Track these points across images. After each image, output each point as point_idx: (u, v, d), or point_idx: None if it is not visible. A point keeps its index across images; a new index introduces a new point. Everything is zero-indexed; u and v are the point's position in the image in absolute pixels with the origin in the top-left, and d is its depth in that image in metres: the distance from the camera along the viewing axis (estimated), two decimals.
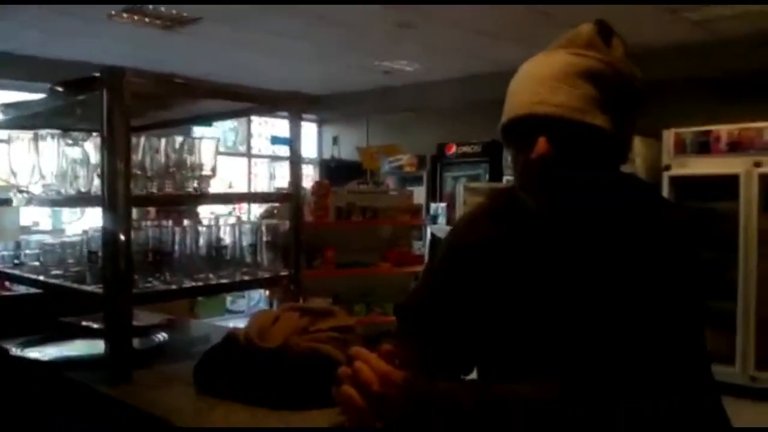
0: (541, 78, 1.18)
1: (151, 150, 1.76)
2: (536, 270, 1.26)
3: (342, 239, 5.50)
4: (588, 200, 1.21)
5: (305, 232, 1.94)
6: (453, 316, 1.35)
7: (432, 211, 8.12)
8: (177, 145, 1.78)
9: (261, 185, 9.79)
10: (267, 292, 5.91)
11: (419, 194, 8.06)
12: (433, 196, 8.78)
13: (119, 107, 1.54)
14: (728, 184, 5.72)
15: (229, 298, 8.58)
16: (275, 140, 9.46)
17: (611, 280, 1.17)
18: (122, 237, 1.54)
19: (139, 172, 1.75)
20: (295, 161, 1.91)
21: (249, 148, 9.90)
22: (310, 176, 9.49)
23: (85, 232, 1.92)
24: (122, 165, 1.53)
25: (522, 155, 1.20)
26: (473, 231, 1.39)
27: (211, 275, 1.79)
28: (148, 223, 1.88)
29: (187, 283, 1.75)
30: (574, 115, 1.14)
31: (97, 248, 1.70)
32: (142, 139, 1.77)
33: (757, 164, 5.54)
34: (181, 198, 1.82)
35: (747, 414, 4.83)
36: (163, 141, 1.79)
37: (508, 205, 1.33)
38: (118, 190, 1.53)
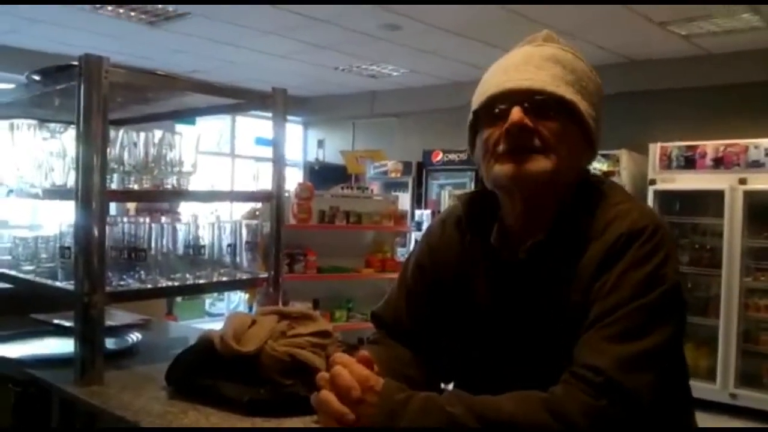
0: (507, 66, 1.22)
1: (129, 144, 1.71)
2: (499, 280, 1.27)
3: (324, 243, 5.45)
4: (550, 182, 1.19)
5: (287, 235, 1.90)
6: (424, 325, 1.35)
7: (416, 218, 8.09)
8: (157, 140, 1.73)
9: (244, 187, 9.72)
10: (246, 295, 5.86)
11: (404, 200, 8.03)
12: (418, 202, 8.74)
13: (97, 98, 1.48)
14: (713, 200, 5.75)
15: (208, 301, 8.51)
16: (259, 141, 9.39)
17: (561, 292, 1.17)
18: (96, 233, 1.48)
19: (116, 166, 1.70)
20: (278, 161, 1.86)
21: (233, 148, 9.83)
22: (294, 179, 9.42)
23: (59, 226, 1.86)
24: (98, 158, 1.47)
25: (495, 132, 1.19)
26: (441, 239, 1.39)
27: (188, 275, 1.74)
28: (125, 219, 1.82)
29: (163, 283, 1.70)
30: (548, 87, 1.16)
31: (70, 244, 1.64)
32: (121, 132, 1.71)
33: (742, 181, 5.57)
34: (160, 194, 1.78)
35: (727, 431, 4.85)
36: (142, 135, 1.73)
37: (478, 212, 1.33)
38: (92, 184, 1.48)
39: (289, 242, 5.16)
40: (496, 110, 1.19)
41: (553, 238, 1.20)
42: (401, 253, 6.44)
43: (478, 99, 1.23)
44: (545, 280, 1.20)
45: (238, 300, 7.81)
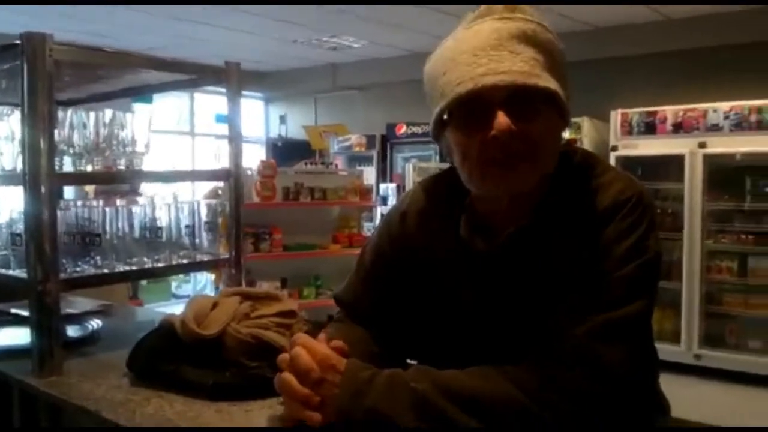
0: (473, 50, 1.06)
1: (79, 125, 1.64)
2: (470, 271, 1.22)
3: (290, 221, 5.41)
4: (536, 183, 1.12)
5: (251, 214, 1.85)
6: (385, 312, 1.33)
7: (382, 192, 8.08)
8: (107, 120, 1.67)
9: (206, 165, 9.58)
10: (213, 276, 5.79)
11: (369, 175, 7.99)
12: (383, 176, 8.73)
13: (41, 77, 1.41)
14: (674, 165, 5.83)
15: (174, 283, 8.41)
16: (220, 118, 9.24)
17: (544, 273, 1.13)
18: (46, 218, 1.43)
19: (66, 148, 1.63)
20: (235, 138, 1.81)
21: (192, 126, 9.66)
22: (257, 156, 9.31)
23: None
24: (45, 140, 1.41)
25: (476, 136, 1.07)
26: (402, 230, 1.34)
27: (145, 258, 1.69)
28: (79, 203, 1.76)
29: (120, 267, 1.65)
30: (528, 80, 1.04)
31: (21, 230, 1.58)
32: (69, 113, 1.65)
33: (702, 145, 5.64)
34: (111, 175, 1.71)
35: (693, 392, 4.97)
36: (92, 115, 1.67)
37: (443, 201, 1.28)
38: (40, 168, 1.42)
39: (253, 221, 5.11)
40: (475, 112, 1.07)
41: (538, 222, 1.15)
42: (368, 228, 6.43)
43: (444, 97, 1.08)
44: (521, 267, 1.15)
45: (205, 281, 7.74)
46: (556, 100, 1.08)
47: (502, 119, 1.04)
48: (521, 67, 1.04)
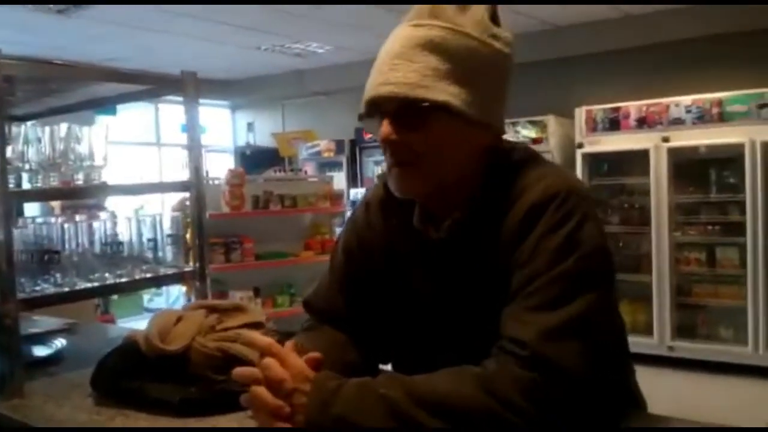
0: (385, 56, 1.14)
1: (34, 140, 1.60)
2: (426, 261, 1.25)
3: (261, 229, 5.38)
4: (437, 185, 1.17)
5: (220, 224, 1.82)
6: (358, 310, 1.33)
7: (353, 197, 8.06)
8: (63, 134, 1.63)
9: (173, 176, 9.47)
10: (185, 288, 5.73)
11: (339, 180, 7.98)
12: (354, 181, 8.71)
13: None
14: (639, 159, 5.90)
15: (146, 296, 8.29)
16: (185, 128, 9.15)
17: (484, 268, 1.16)
18: (0, 237, 1.39)
19: (21, 165, 1.59)
20: (194, 147, 1.79)
21: (158, 137, 9.55)
22: (225, 165, 9.23)
23: None
24: None
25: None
26: (367, 222, 1.36)
27: (107, 274, 1.65)
28: (38, 220, 1.72)
29: (81, 285, 1.62)
30: (412, 92, 1.09)
31: None
32: (23, 128, 1.61)
33: (665, 139, 5.72)
34: (68, 191, 1.68)
35: (667, 383, 5.02)
36: (47, 130, 1.63)
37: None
38: None
39: (223, 231, 5.07)
40: (377, 118, 1.15)
41: (470, 217, 1.18)
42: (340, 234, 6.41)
43: (363, 100, 1.18)
44: (468, 257, 1.18)
45: (177, 294, 7.65)
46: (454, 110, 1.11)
47: (384, 129, 1.12)
48: (411, 78, 1.09)
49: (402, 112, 1.11)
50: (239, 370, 1.06)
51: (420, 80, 1.09)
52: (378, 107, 1.14)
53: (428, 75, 1.10)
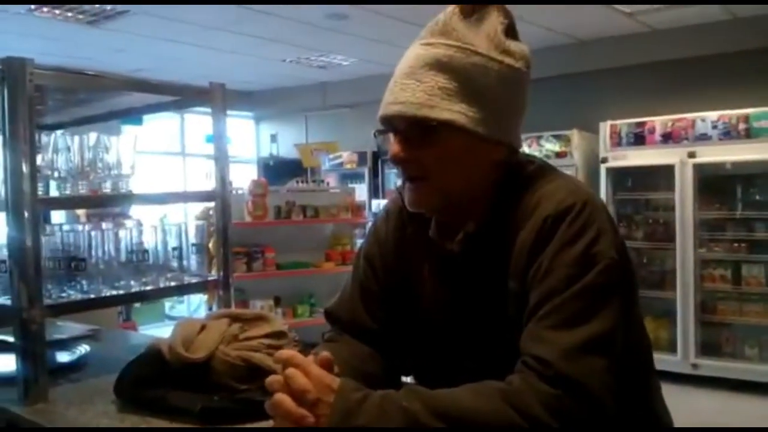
0: (396, 75, 1.17)
1: (63, 148, 1.63)
2: (442, 272, 1.25)
3: (282, 239, 5.39)
4: (448, 199, 1.19)
5: (244, 233, 1.83)
6: (379, 320, 1.33)
7: (374, 209, 8.05)
8: (92, 143, 1.65)
9: (197, 186, 9.54)
10: (206, 297, 5.76)
11: (361, 192, 7.98)
12: (375, 193, 8.71)
13: (22, 102, 1.41)
14: (664, 175, 5.84)
15: (168, 304, 8.35)
16: (210, 138, 9.22)
17: (498, 281, 1.15)
18: (29, 243, 1.41)
19: (50, 173, 1.62)
20: (221, 158, 1.80)
21: (183, 147, 9.64)
22: (248, 176, 9.29)
23: None
24: (27, 165, 1.40)
25: None
26: (387, 231, 1.37)
27: (133, 282, 1.67)
28: (65, 227, 1.74)
29: (106, 292, 1.63)
30: (419, 112, 1.12)
31: (5, 257, 1.56)
32: (53, 137, 1.63)
33: (691, 155, 5.65)
34: (96, 199, 1.70)
35: (690, 401, 4.95)
36: (77, 139, 1.65)
37: None
38: (22, 193, 1.41)
39: (245, 240, 5.10)
40: (388, 131, 1.19)
41: (483, 229, 1.19)
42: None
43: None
44: (482, 271, 1.18)
45: (198, 302, 7.69)
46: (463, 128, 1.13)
47: (393, 146, 1.16)
48: (419, 97, 1.12)
49: (412, 130, 1.14)
50: (272, 378, 1.05)
51: (427, 100, 1.12)
52: (391, 125, 1.17)
53: (435, 94, 1.12)
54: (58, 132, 1.77)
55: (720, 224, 5.79)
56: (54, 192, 1.70)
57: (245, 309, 1.78)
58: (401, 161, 1.16)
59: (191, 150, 9.65)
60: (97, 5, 5.48)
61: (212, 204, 1.87)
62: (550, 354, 1.00)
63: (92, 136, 1.67)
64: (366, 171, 8.76)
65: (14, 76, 1.42)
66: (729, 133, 5.57)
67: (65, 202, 1.77)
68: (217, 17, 5.89)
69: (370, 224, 7.33)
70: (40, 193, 1.53)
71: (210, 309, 5.54)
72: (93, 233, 1.62)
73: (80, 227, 1.67)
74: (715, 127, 5.63)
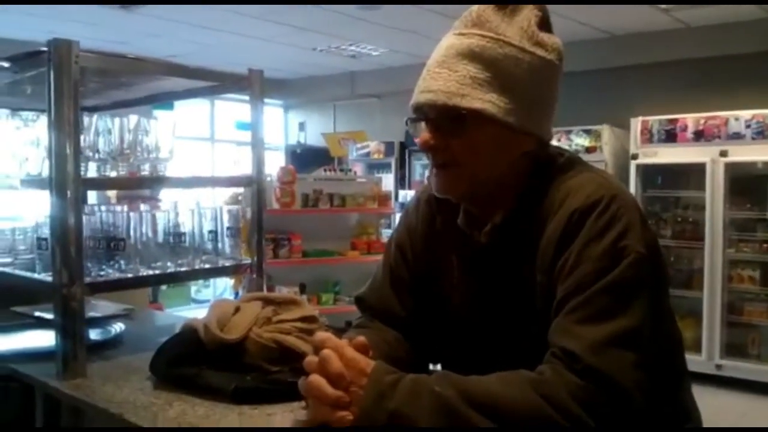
0: (430, 64, 1.19)
1: (104, 130, 1.67)
2: (470, 262, 1.27)
3: (309, 227, 5.42)
4: (475, 187, 1.20)
5: (271, 220, 1.87)
6: (410, 307, 1.35)
7: (401, 199, 8.07)
8: (132, 126, 1.69)
9: (225, 172, 9.62)
10: (232, 281, 5.82)
11: (388, 181, 8.00)
12: (401, 183, 8.73)
13: (67, 84, 1.44)
14: (695, 173, 5.78)
15: (194, 288, 8.45)
16: (240, 125, 9.29)
17: (526, 273, 1.16)
18: (72, 222, 1.45)
19: (91, 154, 1.65)
20: (257, 145, 1.83)
21: (213, 133, 9.72)
22: (276, 163, 9.34)
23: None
24: (71, 145, 1.43)
25: None
26: (417, 218, 1.38)
27: (169, 263, 1.71)
28: (103, 208, 1.78)
29: (144, 272, 1.67)
30: (450, 101, 1.13)
31: (47, 235, 1.61)
32: (95, 119, 1.67)
33: (723, 153, 5.59)
34: (136, 181, 1.74)
35: (714, 401, 4.90)
36: (117, 121, 1.69)
37: None
38: (66, 173, 1.44)
39: (272, 227, 5.13)
40: (420, 118, 1.20)
41: (510, 221, 1.20)
42: (386, 235, 6.43)
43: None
44: (510, 262, 1.19)
45: (224, 286, 7.77)
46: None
47: (423, 134, 1.18)
48: (450, 86, 1.14)
49: (442, 118, 1.16)
50: (309, 358, 1.07)
51: (458, 89, 1.13)
52: (422, 113, 1.19)
53: (467, 83, 1.13)
54: (96, 114, 1.81)
55: (750, 225, 5.72)
56: (92, 173, 1.74)
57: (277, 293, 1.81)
58: (431, 148, 1.18)
59: (220, 136, 9.73)
60: None
61: (241, 189, 1.90)
62: (578, 347, 1.01)
63: (132, 119, 1.70)
64: (393, 161, 8.78)
65: (60, 58, 1.45)
66: (762, 133, 5.49)
67: (107, 183, 1.81)
68: (251, 6, 5.92)
69: (398, 214, 7.39)
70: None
71: (236, 293, 5.60)
72: (132, 214, 1.66)
73: (119, 208, 1.70)
74: (748, 126, 5.55)
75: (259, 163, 1.83)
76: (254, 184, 1.81)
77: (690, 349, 5.58)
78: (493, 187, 1.20)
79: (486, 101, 1.13)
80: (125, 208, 1.69)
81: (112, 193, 4.97)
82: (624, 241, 1.07)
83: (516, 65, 1.15)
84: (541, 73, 1.18)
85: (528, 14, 1.17)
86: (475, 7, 1.19)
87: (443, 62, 1.16)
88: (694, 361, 5.45)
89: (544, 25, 1.19)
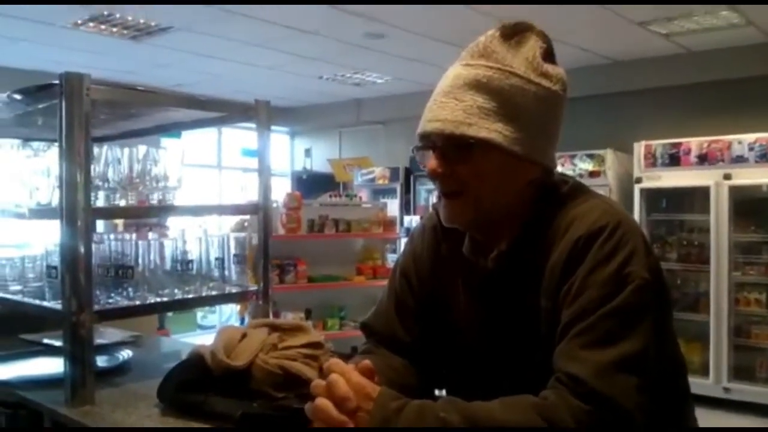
0: (436, 94, 1.21)
1: (113, 160, 1.70)
2: (475, 288, 1.28)
3: (314, 252, 5.44)
4: (482, 215, 1.22)
5: (277, 246, 1.89)
6: (415, 333, 1.36)
7: (406, 224, 8.09)
8: (141, 156, 1.72)
9: (232, 198, 9.66)
10: (239, 307, 5.83)
11: (393, 207, 8.03)
12: (406, 208, 8.75)
13: (78, 115, 1.47)
14: (699, 196, 5.78)
15: (200, 314, 8.46)
16: (246, 152, 9.36)
17: (531, 299, 1.18)
18: (82, 251, 1.47)
19: (101, 183, 1.69)
20: (264, 172, 1.86)
21: (219, 160, 9.79)
22: (282, 189, 9.39)
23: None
24: (81, 175, 1.46)
25: None
26: (423, 246, 1.40)
27: (176, 290, 1.73)
28: (111, 236, 1.81)
29: (152, 299, 1.69)
30: (457, 130, 1.15)
31: (57, 263, 1.63)
32: (105, 149, 1.70)
33: (727, 177, 5.60)
34: (145, 210, 1.76)
35: (721, 425, 4.86)
36: (126, 151, 1.72)
37: None
38: (76, 202, 1.47)
39: (278, 253, 5.15)
40: (426, 147, 1.22)
41: (516, 248, 1.22)
42: (392, 260, 6.44)
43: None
44: (515, 288, 1.21)
45: (230, 312, 7.78)
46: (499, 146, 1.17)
47: (431, 162, 1.20)
48: (457, 116, 1.16)
49: (449, 147, 1.18)
50: (316, 382, 1.09)
51: (465, 118, 1.16)
52: (429, 141, 1.21)
53: (474, 113, 1.16)
54: (105, 144, 1.84)
55: (755, 247, 5.71)
56: (101, 202, 1.77)
57: (283, 319, 1.82)
58: (438, 176, 1.20)
59: (227, 163, 9.80)
60: (141, 20, 5.62)
61: (247, 216, 1.92)
62: (583, 371, 1.02)
63: (141, 149, 1.73)
64: (398, 187, 8.81)
65: (72, 90, 1.49)
66: (765, 156, 5.51)
67: (117, 212, 1.84)
68: (257, 35, 6.00)
69: (403, 238, 7.39)
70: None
71: (242, 319, 5.60)
72: (140, 242, 1.68)
73: (127, 236, 1.73)
74: (751, 149, 5.57)
75: (265, 190, 1.85)
76: (261, 211, 1.84)
77: (697, 373, 5.55)
78: (498, 215, 1.22)
79: (492, 130, 1.16)
80: (134, 236, 1.72)
81: (119, 221, 5.01)
82: (629, 267, 1.09)
83: (522, 95, 1.18)
84: (546, 103, 1.20)
85: (533, 45, 1.20)
86: (481, 39, 1.22)
87: (450, 92, 1.18)
88: (702, 385, 5.42)
89: (549, 56, 1.22)
